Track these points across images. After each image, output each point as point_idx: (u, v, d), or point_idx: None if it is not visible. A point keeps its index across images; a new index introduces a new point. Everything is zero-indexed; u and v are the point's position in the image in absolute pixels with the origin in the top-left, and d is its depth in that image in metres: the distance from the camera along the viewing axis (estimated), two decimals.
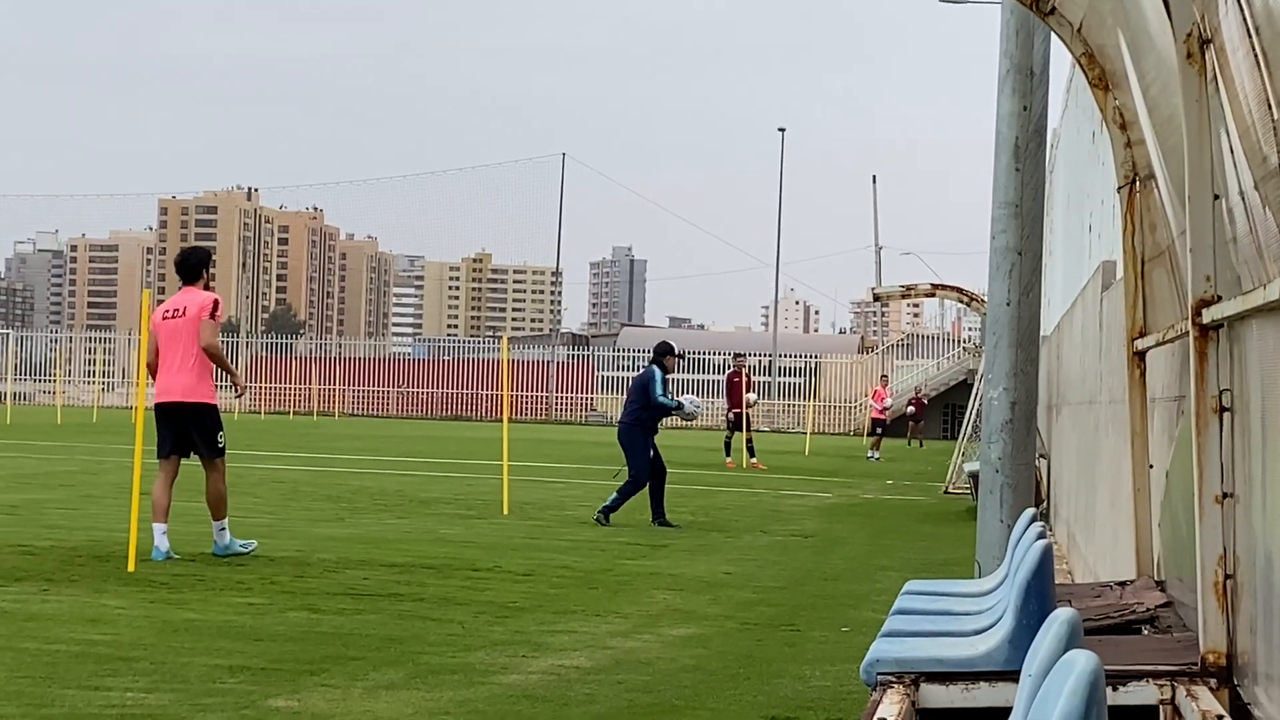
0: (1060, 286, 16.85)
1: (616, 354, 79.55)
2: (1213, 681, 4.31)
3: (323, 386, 68.06)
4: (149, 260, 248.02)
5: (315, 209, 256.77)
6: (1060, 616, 3.06)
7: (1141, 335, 6.48)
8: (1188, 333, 4.37)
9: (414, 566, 11.24)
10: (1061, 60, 10.41)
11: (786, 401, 69.06)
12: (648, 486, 15.79)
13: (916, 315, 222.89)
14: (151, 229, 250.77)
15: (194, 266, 11.82)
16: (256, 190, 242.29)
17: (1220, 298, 4.18)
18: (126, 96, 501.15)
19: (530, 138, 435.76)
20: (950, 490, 23.20)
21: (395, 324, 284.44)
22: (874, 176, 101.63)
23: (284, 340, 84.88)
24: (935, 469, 30.43)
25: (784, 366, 74.90)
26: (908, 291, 23.85)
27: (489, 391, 69.91)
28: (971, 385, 32.44)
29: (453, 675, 7.10)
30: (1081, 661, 2.49)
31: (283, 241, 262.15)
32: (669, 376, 16.55)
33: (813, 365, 73.47)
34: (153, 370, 11.60)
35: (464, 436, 43.12)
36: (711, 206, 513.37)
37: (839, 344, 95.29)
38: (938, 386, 65.03)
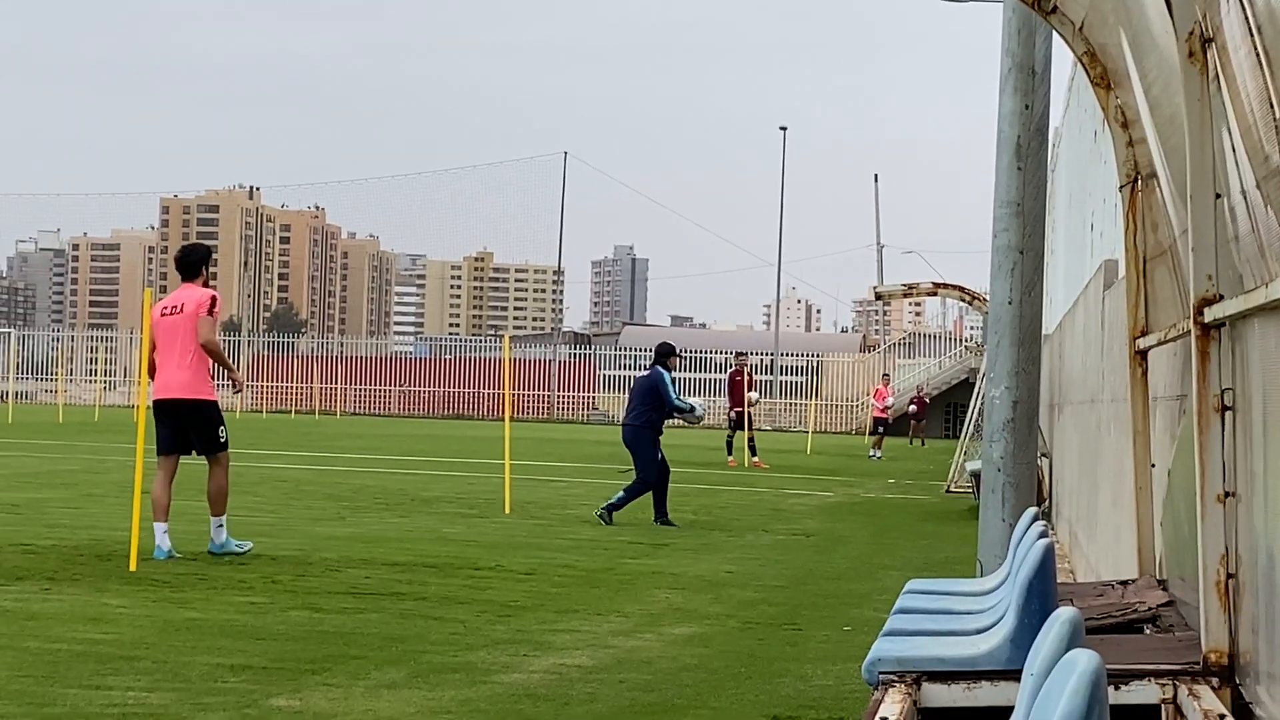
0: (1062, 285, 16.84)
1: (618, 353, 79.66)
2: (1215, 680, 4.30)
3: (324, 385, 68.04)
4: (151, 259, 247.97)
5: (317, 208, 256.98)
6: (1062, 616, 3.05)
7: (1143, 334, 6.47)
8: (1189, 331, 4.37)
9: (416, 565, 11.24)
10: (1063, 59, 10.39)
11: (788, 400, 69.00)
12: None
13: (918, 314, 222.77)
14: (153, 228, 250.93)
15: (194, 263, 11.81)
16: (258, 189, 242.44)
17: (1222, 296, 4.18)
18: (128, 95, 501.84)
19: (532, 136, 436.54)
20: (952, 489, 23.20)
21: (397, 323, 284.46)
22: (876, 175, 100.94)
23: (286, 339, 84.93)
24: (937, 468, 30.43)
25: (786, 365, 74.91)
26: (910, 290, 23.79)
27: (491, 390, 69.86)
28: (973, 384, 32.47)
29: (454, 674, 7.10)
30: (1083, 661, 2.49)
31: (284, 240, 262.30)
32: (673, 377, 16.66)
33: (814, 364, 73.44)
34: (152, 366, 11.60)
35: (466, 435, 43.10)
36: (713, 205, 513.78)
37: (841, 343, 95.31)
38: (939, 385, 64.95)
